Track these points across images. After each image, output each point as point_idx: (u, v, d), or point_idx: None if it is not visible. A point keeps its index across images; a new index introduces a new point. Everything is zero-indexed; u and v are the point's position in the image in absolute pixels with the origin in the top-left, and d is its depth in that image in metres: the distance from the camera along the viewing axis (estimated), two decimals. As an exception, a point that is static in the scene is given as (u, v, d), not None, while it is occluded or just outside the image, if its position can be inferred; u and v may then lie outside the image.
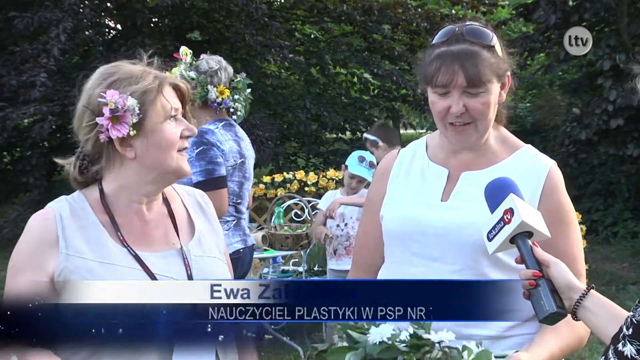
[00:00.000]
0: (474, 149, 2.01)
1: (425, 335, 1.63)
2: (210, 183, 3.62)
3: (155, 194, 1.90)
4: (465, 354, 1.62)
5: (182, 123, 1.87)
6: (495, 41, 1.96)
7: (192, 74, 3.82)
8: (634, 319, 1.39)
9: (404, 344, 1.61)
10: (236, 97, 3.92)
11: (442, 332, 1.64)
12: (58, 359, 1.76)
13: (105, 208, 1.85)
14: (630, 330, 1.38)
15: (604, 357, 1.44)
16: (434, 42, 1.99)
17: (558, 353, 1.88)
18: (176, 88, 1.89)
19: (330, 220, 5.25)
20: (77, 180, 1.90)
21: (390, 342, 1.62)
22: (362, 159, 5.19)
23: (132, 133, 1.78)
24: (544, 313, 1.62)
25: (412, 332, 1.63)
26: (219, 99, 3.84)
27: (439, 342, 1.63)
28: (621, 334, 1.40)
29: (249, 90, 4.04)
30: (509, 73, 1.98)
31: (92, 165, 1.88)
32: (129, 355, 1.74)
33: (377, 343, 1.62)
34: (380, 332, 1.64)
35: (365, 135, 5.74)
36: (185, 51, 3.89)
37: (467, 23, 1.99)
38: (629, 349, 1.37)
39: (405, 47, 13.74)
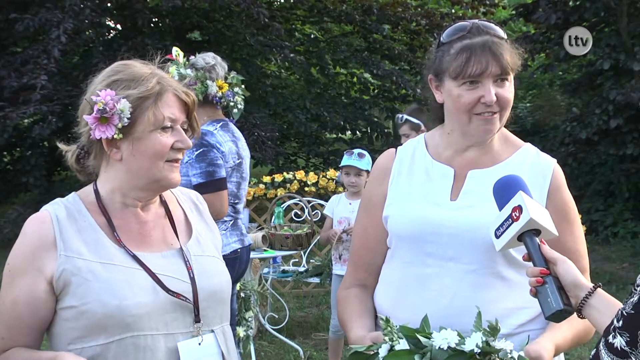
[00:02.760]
0: (483, 145, 2.00)
1: (493, 343, 1.64)
2: (211, 185, 3.60)
3: (147, 199, 1.89)
4: None
5: (177, 134, 1.84)
6: (505, 36, 2.00)
7: (189, 71, 3.81)
8: (624, 312, 1.40)
9: (478, 349, 1.61)
10: (238, 90, 3.91)
11: (503, 341, 1.66)
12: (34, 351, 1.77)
13: (101, 209, 1.84)
14: (621, 322, 1.40)
15: (595, 349, 1.45)
16: (446, 39, 1.98)
17: (571, 337, 1.90)
18: (180, 98, 1.86)
19: (338, 225, 5.27)
20: (73, 167, 1.91)
21: (461, 347, 1.62)
22: (350, 153, 5.22)
23: (116, 136, 1.77)
24: (550, 310, 1.63)
25: (484, 339, 1.64)
26: (219, 94, 3.82)
27: (503, 350, 1.63)
28: (612, 327, 1.42)
29: (243, 86, 4.04)
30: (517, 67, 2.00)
31: (88, 159, 1.88)
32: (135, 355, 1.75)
33: (445, 348, 1.62)
34: (446, 337, 1.64)
35: (405, 116, 5.09)
36: (177, 52, 3.89)
37: (477, 20, 2.01)
38: (618, 341, 1.38)
39: (405, 47, 13.76)
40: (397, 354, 1.65)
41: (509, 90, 1.94)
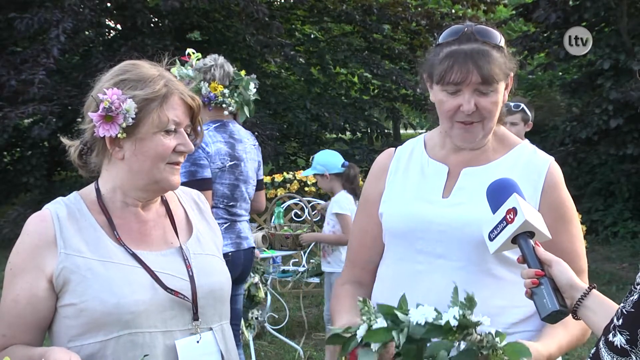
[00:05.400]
0: (476, 148, 2.01)
1: (470, 317, 1.61)
2: (193, 184, 3.55)
3: (147, 199, 1.89)
4: (498, 339, 1.63)
5: (180, 137, 1.84)
6: (503, 42, 1.98)
7: (190, 71, 3.81)
8: (624, 310, 1.41)
9: (455, 321, 1.59)
10: (226, 91, 3.86)
11: (480, 315, 1.63)
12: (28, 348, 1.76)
13: (102, 208, 1.85)
14: (621, 320, 1.40)
15: (595, 348, 1.45)
16: (440, 41, 1.99)
17: (566, 345, 1.90)
18: (186, 102, 1.86)
19: (326, 225, 5.34)
20: (75, 162, 1.91)
21: (438, 322, 1.60)
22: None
23: (120, 136, 1.78)
24: (546, 311, 1.63)
25: (462, 312, 1.61)
26: (211, 94, 3.80)
27: (478, 323, 1.61)
28: (612, 325, 1.42)
29: (254, 90, 4.00)
30: (512, 74, 2.00)
31: (90, 155, 1.89)
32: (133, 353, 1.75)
33: (423, 323, 1.61)
34: (423, 313, 1.62)
35: (522, 105, 4.93)
36: (194, 55, 3.87)
37: (475, 23, 2.01)
38: (618, 339, 1.39)
39: (406, 46, 13.76)
40: (375, 332, 1.64)
41: (492, 99, 1.92)
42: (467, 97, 1.90)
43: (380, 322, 1.66)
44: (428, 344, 1.63)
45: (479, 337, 1.60)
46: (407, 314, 1.64)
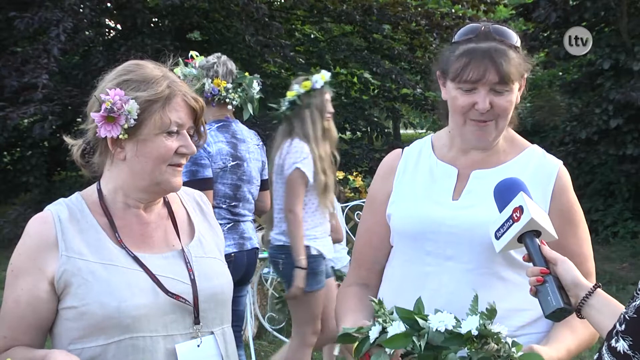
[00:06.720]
0: (486, 149, 2.01)
1: (490, 326, 1.62)
2: (193, 184, 3.55)
3: (148, 200, 1.89)
4: (514, 349, 1.63)
5: (182, 139, 1.84)
6: (519, 42, 1.99)
7: (193, 70, 3.81)
8: (626, 315, 1.41)
9: (476, 331, 1.59)
10: (229, 86, 3.84)
11: (497, 325, 1.64)
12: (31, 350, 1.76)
13: (103, 210, 1.85)
14: (623, 326, 1.40)
15: (598, 353, 1.45)
16: (457, 39, 1.99)
17: (575, 349, 1.90)
18: (188, 103, 1.85)
19: None
20: (78, 161, 1.91)
21: (457, 330, 1.59)
22: None
23: (122, 137, 1.77)
24: (550, 308, 1.63)
25: (482, 322, 1.61)
26: (214, 89, 3.79)
27: (498, 334, 1.61)
28: (614, 330, 1.42)
29: (258, 88, 4.00)
30: (525, 75, 2.00)
31: (93, 155, 1.89)
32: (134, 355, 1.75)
33: (442, 330, 1.60)
34: (442, 320, 1.61)
35: None
36: (197, 58, 3.86)
37: (492, 22, 2.02)
38: (621, 345, 1.39)
39: (406, 46, 13.74)
40: (394, 338, 1.62)
41: (507, 99, 1.93)
42: (483, 95, 1.90)
43: (397, 327, 1.64)
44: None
45: (495, 346, 1.60)
46: (426, 320, 1.63)
